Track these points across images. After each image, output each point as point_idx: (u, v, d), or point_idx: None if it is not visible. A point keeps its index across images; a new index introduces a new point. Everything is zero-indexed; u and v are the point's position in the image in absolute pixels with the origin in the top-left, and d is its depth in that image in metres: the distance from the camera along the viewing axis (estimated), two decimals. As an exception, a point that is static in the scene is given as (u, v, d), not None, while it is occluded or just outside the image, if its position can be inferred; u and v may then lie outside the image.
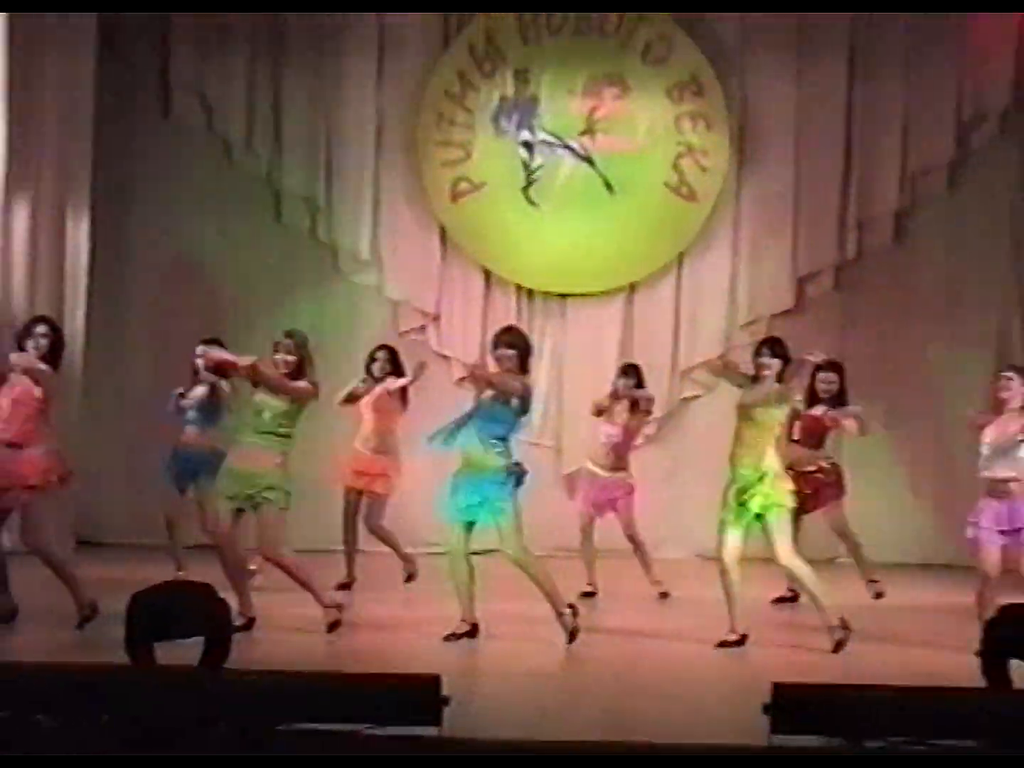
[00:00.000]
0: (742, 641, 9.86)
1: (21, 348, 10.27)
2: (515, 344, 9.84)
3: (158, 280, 13.79)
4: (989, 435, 9.94)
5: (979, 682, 8.29)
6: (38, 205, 13.11)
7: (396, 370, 11.62)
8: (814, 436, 11.43)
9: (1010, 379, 9.99)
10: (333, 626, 9.91)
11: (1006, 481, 9.84)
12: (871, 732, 7.65)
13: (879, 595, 11.34)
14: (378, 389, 11.51)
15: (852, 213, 14.01)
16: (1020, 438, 9.89)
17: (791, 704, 7.67)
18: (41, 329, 10.33)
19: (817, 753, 6.15)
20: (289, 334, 10.09)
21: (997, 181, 13.99)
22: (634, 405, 11.71)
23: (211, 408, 11.59)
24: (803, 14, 13.77)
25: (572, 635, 9.75)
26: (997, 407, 9.97)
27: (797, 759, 6.05)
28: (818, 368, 11.03)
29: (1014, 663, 8.24)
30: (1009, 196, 13.96)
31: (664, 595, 11.63)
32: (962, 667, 8.65)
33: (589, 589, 11.58)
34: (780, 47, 13.92)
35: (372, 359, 11.69)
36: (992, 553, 9.76)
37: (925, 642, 10.28)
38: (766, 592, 11.20)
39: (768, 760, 7.22)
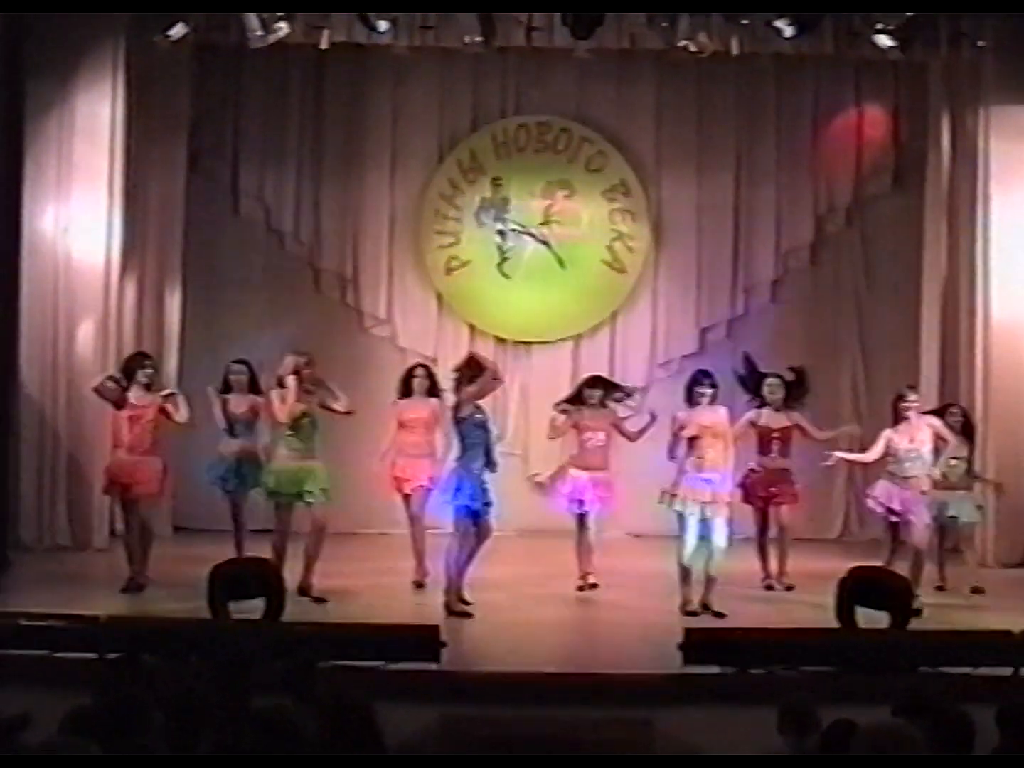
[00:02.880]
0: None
1: (130, 377, 10.29)
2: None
3: (231, 335, 13.71)
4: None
5: (834, 624, 8.34)
6: (143, 280, 13.11)
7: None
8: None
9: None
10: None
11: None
12: (756, 662, 7.67)
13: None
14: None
15: (740, 281, 13.96)
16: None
17: (698, 643, 7.70)
18: (149, 363, 10.45)
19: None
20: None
21: (845, 260, 14.03)
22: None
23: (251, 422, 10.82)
24: (701, 137, 13.85)
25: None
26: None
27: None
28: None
29: (859, 610, 8.29)
30: (855, 271, 14.02)
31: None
32: (822, 614, 8.66)
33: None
34: (686, 161, 13.93)
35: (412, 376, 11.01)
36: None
37: (796, 596, 10.29)
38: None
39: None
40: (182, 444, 11.29)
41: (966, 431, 10.63)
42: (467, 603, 9.57)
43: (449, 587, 9.55)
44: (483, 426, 9.76)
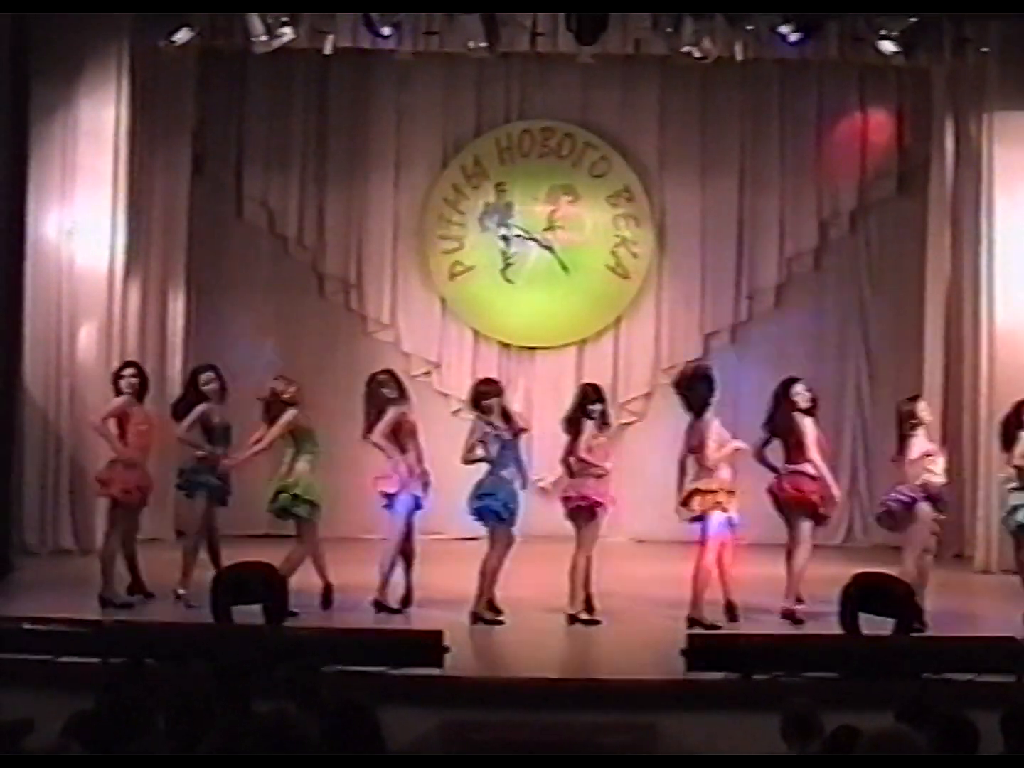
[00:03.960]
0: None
1: (117, 388, 10.12)
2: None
3: (234, 340, 13.74)
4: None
5: (837, 630, 8.32)
6: (147, 284, 13.14)
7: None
8: None
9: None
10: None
11: None
12: (759, 668, 7.66)
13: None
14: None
15: (744, 287, 13.98)
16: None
17: (701, 649, 7.69)
18: (130, 371, 10.20)
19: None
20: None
21: (849, 264, 14.05)
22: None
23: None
24: (705, 142, 13.86)
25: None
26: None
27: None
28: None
29: (862, 616, 8.27)
30: (858, 276, 14.01)
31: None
32: (826, 620, 8.64)
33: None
34: (690, 166, 13.94)
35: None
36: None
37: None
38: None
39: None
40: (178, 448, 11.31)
41: None
42: (498, 611, 9.59)
43: (481, 596, 9.55)
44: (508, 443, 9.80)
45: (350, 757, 4.41)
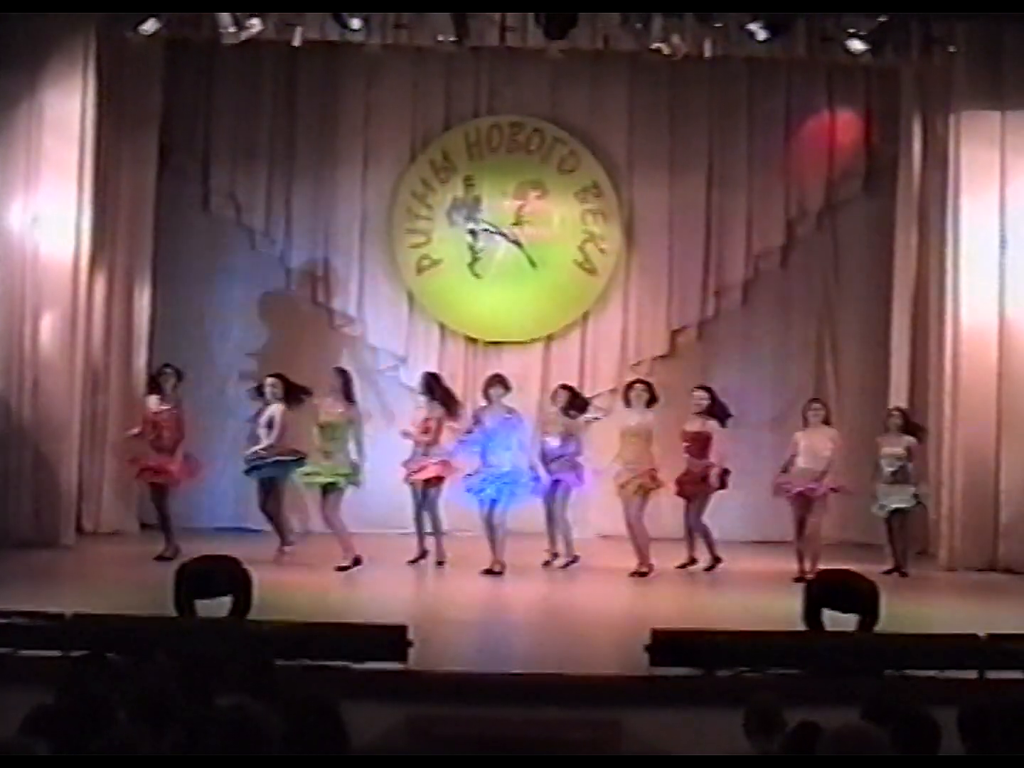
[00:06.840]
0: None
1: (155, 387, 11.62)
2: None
3: (200, 332, 13.71)
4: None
5: (800, 626, 8.35)
6: (113, 277, 13.09)
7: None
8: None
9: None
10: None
11: None
12: (723, 664, 7.68)
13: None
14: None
15: (711, 283, 14.00)
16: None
17: (665, 644, 7.70)
18: (169, 371, 11.68)
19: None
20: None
21: (816, 263, 14.09)
22: None
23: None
24: (673, 139, 13.89)
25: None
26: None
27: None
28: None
29: (826, 612, 8.31)
30: (825, 274, 14.06)
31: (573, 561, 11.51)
32: (789, 616, 8.66)
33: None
34: (658, 163, 13.96)
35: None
36: None
37: (762, 596, 10.31)
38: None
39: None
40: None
41: None
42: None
43: None
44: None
45: (312, 755, 4.40)
